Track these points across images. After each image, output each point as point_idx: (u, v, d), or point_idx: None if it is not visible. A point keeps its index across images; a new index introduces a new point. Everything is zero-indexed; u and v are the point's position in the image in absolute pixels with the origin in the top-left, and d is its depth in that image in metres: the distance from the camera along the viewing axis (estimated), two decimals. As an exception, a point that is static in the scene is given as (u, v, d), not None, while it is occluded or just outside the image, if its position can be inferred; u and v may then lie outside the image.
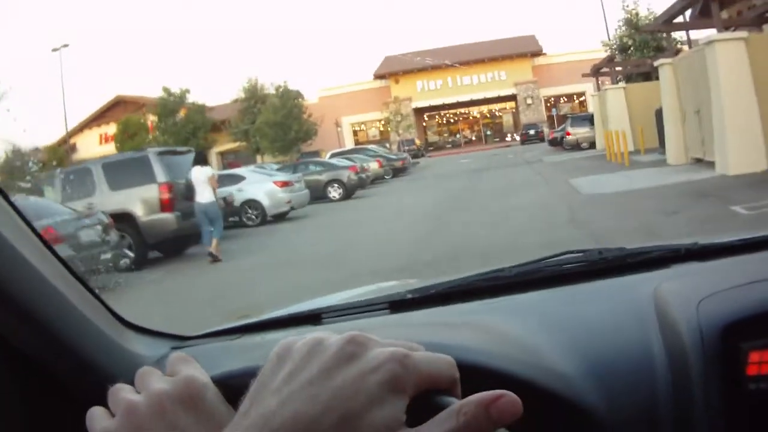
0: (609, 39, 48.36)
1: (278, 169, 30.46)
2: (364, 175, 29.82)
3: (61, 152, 52.11)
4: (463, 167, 40.15)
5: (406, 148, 63.77)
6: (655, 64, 23.64)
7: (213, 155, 70.49)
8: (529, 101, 71.52)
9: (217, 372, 0.92)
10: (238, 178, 22.69)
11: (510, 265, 1.68)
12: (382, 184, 36.57)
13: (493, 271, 1.67)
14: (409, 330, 1.41)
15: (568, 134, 40.29)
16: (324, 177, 28.88)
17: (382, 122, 66.00)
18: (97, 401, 0.77)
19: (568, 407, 1.11)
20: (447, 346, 1.09)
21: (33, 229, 1.15)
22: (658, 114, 25.27)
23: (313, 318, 1.59)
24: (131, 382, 0.78)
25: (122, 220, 15.59)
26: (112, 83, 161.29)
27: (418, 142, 67.69)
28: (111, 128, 63.08)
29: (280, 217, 22.26)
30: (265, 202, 21.90)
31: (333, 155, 44.68)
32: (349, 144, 73.29)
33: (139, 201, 16.29)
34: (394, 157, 42.78)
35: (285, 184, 22.43)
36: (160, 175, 16.37)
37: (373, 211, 23.19)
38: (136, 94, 69.62)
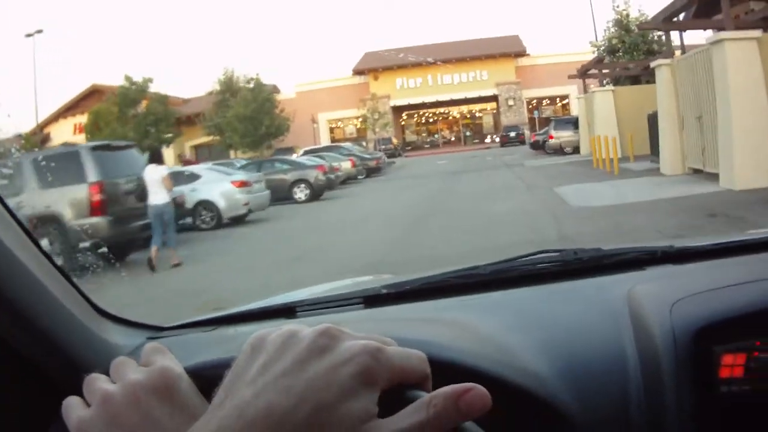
0: (597, 40, 46.64)
1: (242, 167, 28.54)
2: (333, 176, 27.77)
3: (34, 142, 49.28)
4: (440, 168, 38.41)
5: (383, 146, 61.96)
6: (652, 65, 21.80)
7: (187, 149, 68.63)
8: (510, 102, 69.75)
9: (192, 363, 0.92)
10: (193, 177, 20.66)
11: (485, 263, 1.70)
12: (354, 184, 34.60)
13: (468, 268, 1.69)
14: (383, 325, 1.42)
15: (551, 138, 38.52)
16: (290, 176, 26.81)
17: (360, 119, 63.67)
18: (73, 389, 0.79)
19: (541, 406, 1.12)
20: (421, 342, 1.09)
21: (14, 217, 1.15)
22: (652, 119, 23.63)
23: (287, 311, 1.62)
24: (107, 371, 0.79)
25: (49, 222, 13.72)
26: (88, 71, 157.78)
27: (395, 141, 65.78)
28: (86, 118, 60.56)
29: (238, 220, 20.26)
30: (220, 203, 19.89)
31: (306, 152, 42.96)
32: (325, 141, 71.17)
33: (68, 202, 14.25)
34: (368, 156, 40.80)
35: (243, 184, 20.40)
36: (92, 174, 14.23)
37: (339, 214, 21.38)
38: (113, 83, 66.03)
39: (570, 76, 38.62)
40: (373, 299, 1.61)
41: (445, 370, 0.72)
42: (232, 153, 55.68)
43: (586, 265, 1.64)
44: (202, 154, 65.00)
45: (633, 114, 29.72)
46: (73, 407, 0.74)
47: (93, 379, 0.76)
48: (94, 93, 66.35)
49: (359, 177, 38.25)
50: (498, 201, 18.03)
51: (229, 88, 59.10)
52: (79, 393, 0.76)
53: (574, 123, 38.65)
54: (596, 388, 1.15)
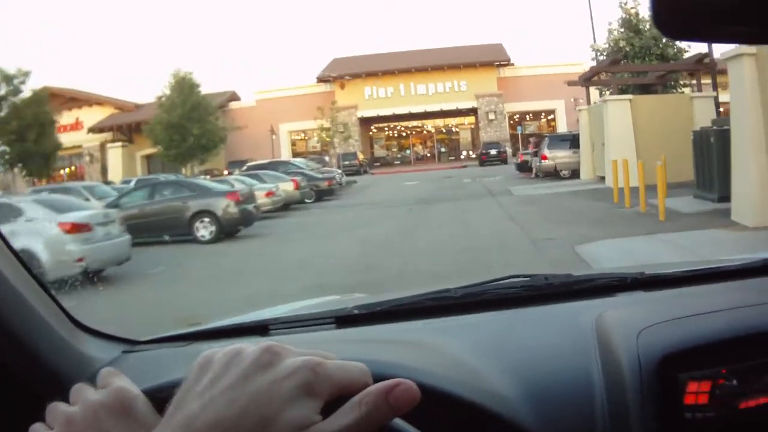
0: (595, 43, 39.67)
1: (125, 194, 21.13)
2: (251, 206, 20.04)
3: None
4: (407, 193, 31.35)
5: (346, 163, 54.87)
6: (722, 56, 14.43)
7: (138, 159, 61.03)
8: (491, 116, 62.50)
9: (151, 383, 0.98)
10: (13, 213, 13.08)
11: (456, 286, 1.71)
12: (292, 212, 27.33)
13: (439, 290, 1.70)
14: (354, 346, 1.45)
15: (544, 158, 31.19)
16: (191, 206, 19.09)
17: (319, 131, 55.46)
18: (51, 399, 0.82)
19: (508, 429, 1.14)
20: (391, 365, 1.19)
21: None
22: (701, 137, 16.67)
23: (260, 329, 1.63)
24: (86, 381, 0.85)
25: None
26: (39, 73, 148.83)
27: (361, 156, 58.37)
28: None
29: (74, 282, 12.53)
30: (43, 256, 12.24)
31: (249, 168, 35.78)
32: (285, 154, 64.41)
33: None
34: (319, 176, 33.27)
35: (77, 228, 12.84)
36: None
37: (239, 271, 13.87)
38: (66, 86, 62.54)
39: (570, 83, 31.57)
40: (344, 319, 1.64)
41: None
42: (183, 169, 48.21)
43: (556, 290, 1.69)
44: (154, 165, 57.88)
45: (656, 130, 23.42)
46: None
47: (54, 406, 0.78)
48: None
49: (307, 200, 30.87)
50: (486, 267, 10.63)
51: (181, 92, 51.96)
52: (57, 400, 0.79)
53: (572, 141, 31.53)
54: (562, 413, 1.18)
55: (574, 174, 30.70)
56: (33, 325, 1.23)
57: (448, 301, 1.65)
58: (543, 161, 31.24)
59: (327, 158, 57.17)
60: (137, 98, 56.88)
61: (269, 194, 25.40)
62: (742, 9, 0.81)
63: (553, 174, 31.32)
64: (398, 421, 0.63)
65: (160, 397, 0.75)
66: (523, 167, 35.14)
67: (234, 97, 70.24)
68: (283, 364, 0.63)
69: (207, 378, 0.64)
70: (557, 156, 31.10)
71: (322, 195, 32.05)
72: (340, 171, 40.22)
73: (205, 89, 48.43)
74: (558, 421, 1.17)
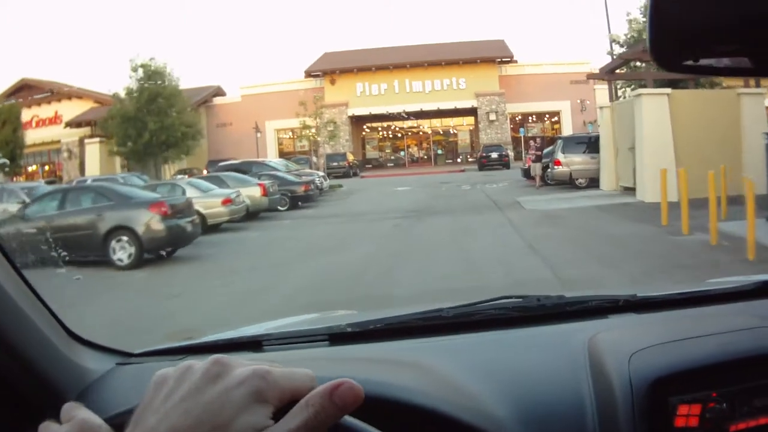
0: (612, 33, 35.49)
1: (36, 199, 16.59)
2: (186, 221, 15.37)
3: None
4: (398, 201, 26.85)
5: (334, 164, 50.38)
6: None
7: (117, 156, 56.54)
8: (492, 117, 57.81)
9: (114, 411, 1.00)
10: None
11: (449, 306, 1.73)
12: (258, 223, 22.84)
13: (431, 310, 1.73)
14: (347, 364, 1.48)
15: (558, 164, 26.62)
16: (106, 219, 14.45)
17: (302, 128, 50.06)
18: (44, 409, 0.85)
19: None
20: (383, 384, 1.21)
21: None
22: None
23: (254, 344, 1.65)
24: (78, 394, 0.91)
25: None
26: (17, 64, 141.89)
27: (350, 157, 53.66)
28: None
29: None
30: None
31: (218, 168, 31.50)
32: (272, 153, 60.07)
33: None
34: (295, 179, 28.63)
35: None
36: None
37: (139, 313, 9.56)
38: (45, 78, 60.19)
39: (589, 76, 27.24)
40: (338, 337, 1.66)
41: (405, 412, 0.76)
42: (166, 168, 44.16)
43: (548, 311, 1.70)
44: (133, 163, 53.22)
45: (698, 131, 19.55)
46: None
47: None
48: (23, 88, 58.79)
49: (279, 208, 26.36)
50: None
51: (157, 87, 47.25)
52: (49, 415, 0.80)
53: (589, 144, 27.06)
54: None
55: (592, 182, 26.32)
56: (29, 336, 1.22)
57: (441, 321, 1.68)
58: (556, 167, 26.66)
59: (315, 159, 52.77)
60: (118, 92, 52.47)
61: (226, 202, 20.82)
62: (740, 45, 0.82)
63: (567, 182, 26.84)
64: (349, 419, 0.65)
65: (126, 421, 0.76)
66: (530, 173, 30.55)
67: (219, 92, 66.00)
68: (233, 374, 0.66)
69: (162, 394, 0.67)
70: (573, 161, 26.56)
71: (297, 202, 27.50)
72: (322, 174, 35.60)
73: (188, 83, 44.30)
74: None
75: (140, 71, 33.83)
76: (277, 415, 0.64)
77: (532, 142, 29.95)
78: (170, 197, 16.45)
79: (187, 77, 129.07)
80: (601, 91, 57.56)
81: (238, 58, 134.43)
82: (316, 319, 2.30)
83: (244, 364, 0.68)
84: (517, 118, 60.88)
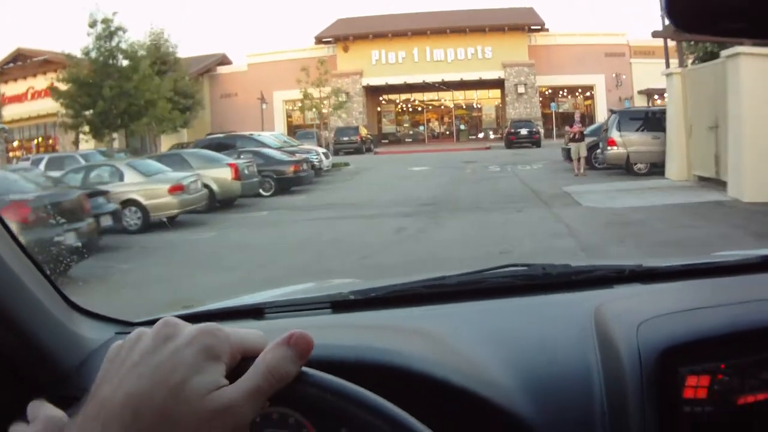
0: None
1: None
2: (66, 232, 9.93)
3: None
4: (410, 187, 21.60)
5: (345, 138, 45.35)
6: None
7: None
8: (521, 89, 52.21)
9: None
10: None
11: (453, 273, 1.72)
12: (222, 216, 17.73)
13: (436, 278, 1.71)
14: (350, 331, 1.45)
15: (612, 143, 21.16)
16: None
17: (305, 99, 43.94)
18: (43, 381, 0.86)
19: (505, 419, 1.14)
20: (386, 351, 1.20)
21: None
22: None
23: (255, 312, 1.62)
24: (77, 364, 0.92)
25: None
26: (12, 34, 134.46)
27: (363, 131, 48.23)
28: (10, 87, 51.29)
29: None
30: None
31: (197, 144, 27.81)
32: (279, 126, 54.94)
33: None
34: (284, 158, 23.21)
35: None
36: None
37: None
38: (41, 47, 54.57)
39: (656, 34, 21.17)
40: (340, 304, 1.63)
41: (408, 379, 0.75)
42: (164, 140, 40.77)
43: (554, 280, 1.68)
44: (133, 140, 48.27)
45: None
46: None
47: None
48: (19, 57, 55.09)
49: (263, 193, 21.35)
50: None
51: (155, 53, 43.16)
52: (48, 387, 0.81)
53: (648, 120, 21.69)
54: (561, 404, 1.18)
55: (654, 169, 21.02)
56: (27, 305, 1.21)
57: (445, 289, 1.66)
58: (610, 148, 21.20)
59: (326, 133, 47.48)
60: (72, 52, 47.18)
61: (175, 190, 15.74)
62: (758, 6, 0.79)
63: (622, 168, 21.43)
64: (311, 371, 0.65)
65: None
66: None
67: (224, 60, 60.92)
68: (183, 333, 0.65)
69: (116, 363, 0.66)
70: (631, 141, 21.06)
71: (286, 185, 22.22)
72: (323, 150, 30.16)
73: (192, 51, 38.91)
74: (556, 411, 1.16)
75: (99, 27, 27.57)
76: (231, 376, 0.64)
77: (576, 115, 24.14)
78: (46, 194, 11.13)
79: (191, 45, 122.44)
80: (639, 65, 53.48)
81: (246, 24, 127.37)
82: (317, 287, 2.27)
83: (192, 324, 0.67)
84: (547, 93, 55.43)
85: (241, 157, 22.15)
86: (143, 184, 16.08)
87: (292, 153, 24.87)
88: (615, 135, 21.19)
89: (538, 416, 1.15)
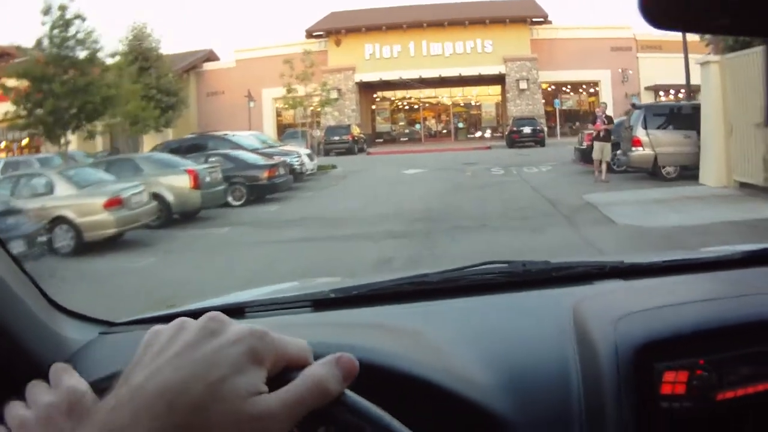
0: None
1: None
2: None
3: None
4: (402, 195, 18.62)
5: (336, 138, 42.70)
6: None
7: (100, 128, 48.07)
8: (522, 85, 49.13)
9: (98, 374, 0.95)
10: None
11: (434, 271, 1.73)
12: (173, 233, 14.91)
13: (416, 275, 1.74)
14: (331, 330, 1.46)
15: (637, 143, 18.13)
16: None
17: (288, 95, 40.40)
18: (26, 381, 0.85)
19: (483, 416, 1.15)
20: (366, 349, 1.19)
21: None
22: None
23: (236, 311, 1.60)
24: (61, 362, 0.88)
25: None
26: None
27: (356, 130, 45.14)
28: None
29: None
30: None
31: (165, 147, 24.76)
32: (268, 125, 52.34)
33: None
34: (255, 162, 20.03)
35: None
36: None
37: None
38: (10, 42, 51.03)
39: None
40: (321, 303, 1.64)
41: (388, 377, 0.74)
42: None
43: (534, 277, 1.70)
44: (120, 137, 45.03)
45: None
46: None
47: (10, 407, 0.77)
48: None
49: (233, 203, 18.57)
50: None
51: (137, 49, 40.68)
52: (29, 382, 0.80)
53: (681, 116, 18.73)
54: (538, 400, 1.19)
55: (684, 172, 18.04)
56: (10, 306, 1.20)
57: (426, 286, 1.67)
58: (635, 149, 18.20)
59: (317, 132, 44.55)
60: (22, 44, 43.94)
61: (112, 204, 12.83)
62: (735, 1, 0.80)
63: (648, 171, 18.46)
64: (350, 394, 0.64)
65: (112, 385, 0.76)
66: (589, 156, 21.84)
67: (211, 56, 57.98)
68: (229, 331, 0.64)
69: (154, 350, 0.64)
70: (660, 141, 18.04)
71: (260, 192, 19.19)
72: (307, 152, 27.08)
73: (177, 47, 36.25)
74: (534, 407, 1.17)
75: (55, 13, 24.19)
76: (269, 383, 0.62)
77: (598, 110, 20.75)
78: None
79: (178, 41, 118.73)
80: (646, 60, 50.79)
81: (235, 19, 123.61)
82: (299, 286, 2.25)
83: (239, 323, 0.66)
84: (549, 89, 52.30)
85: (209, 160, 19.24)
86: (75, 197, 13.28)
87: (270, 156, 21.80)
88: (641, 134, 18.16)
89: (516, 412, 1.15)
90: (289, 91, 35.35)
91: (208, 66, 56.27)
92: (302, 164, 23.85)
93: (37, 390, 0.75)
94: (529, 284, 1.65)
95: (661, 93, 46.86)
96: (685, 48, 23.38)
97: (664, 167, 18.21)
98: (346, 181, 24.62)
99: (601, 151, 19.05)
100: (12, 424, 0.74)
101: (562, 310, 1.38)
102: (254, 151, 22.50)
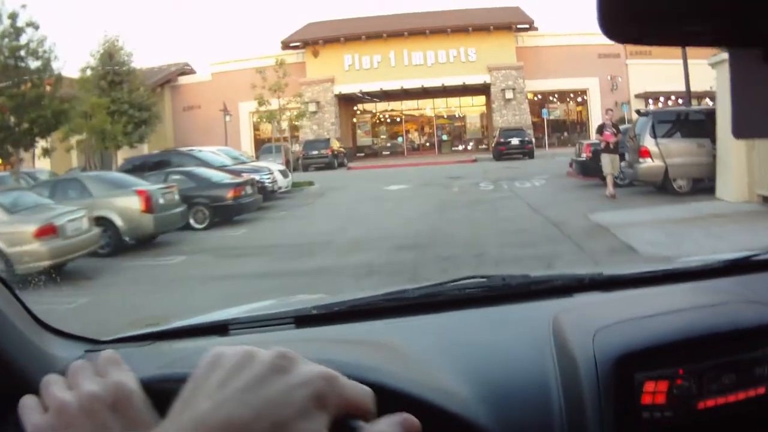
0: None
1: None
2: None
3: None
4: (383, 217, 16.78)
5: (314, 152, 41.03)
6: None
7: (73, 144, 45.69)
8: (509, 95, 47.19)
9: (146, 375, 0.95)
10: None
11: (413, 287, 1.72)
12: (116, 264, 12.99)
13: (396, 291, 1.72)
14: (313, 346, 1.44)
15: (645, 153, 16.24)
16: None
17: (260, 107, 38.08)
18: (10, 398, 0.84)
19: (463, 429, 1.14)
20: (348, 365, 1.17)
21: None
22: None
23: (220, 329, 1.61)
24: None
25: None
26: None
27: (335, 144, 43.19)
28: None
29: None
30: None
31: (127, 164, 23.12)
32: (246, 140, 50.74)
33: None
34: (220, 181, 17.91)
35: None
36: None
37: None
38: None
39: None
40: (303, 319, 1.63)
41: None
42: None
43: (513, 291, 1.68)
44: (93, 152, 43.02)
45: None
46: (29, 410, 0.75)
47: (50, 383, 0.76)
48: None
49: (196, 226, 16.74)
50: None
51: (108, 64, 38.51)
52: (13, 403, 0.78)
53: (692, 123, 16.89)
54: (518, 413, 1.19)
55: (696, 186, 16.29)
56: None
57: (406, 302, 1.66)
58: (643, 160, 16.32)
59: (296, 146, 42.60)
60: (71, 72, 42.16)
61: (44, 233, 11.06)
62: (697, 10, 0.75)
63: (658, 185, 16.59)
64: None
65: (156, 389, 0.76)
66: (587, 168, 19.92)
67: (188, 70, 55.89)
68: (298, 371, 0.62)
69: (217, 377, 0.63)
70: (670, 151, 16.18)
71: (225, 214, 17.18)
72: (281, 168, 24.99)
73: (154, 61, 34.21)
74: (515, 421, 1.17)
75: (4, 20, 22.00)
76: (331, 428, 0.61)
77: (605, 117, 18.47)
78: None
79: (153, 54, 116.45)
80: (636, 66, 49.10)
81: (213, 32, 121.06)
82: (279, 303, 2.15)
83: (308, 362, 0.64)
84: (536, 98, 50.45)
85: (169, 179, 17.26)
86: (5, 225, 11.27)
87: (238, 173, 19.75)
88: (649, 143, 16.28)
89: (497, 426, 1.14)
90: (260, 103, 33.17)
91: (183, 80, 54.40)
92: (274, 181, 21.80)
93: (81, 373, 0.73)
94: (508, 298, 1.65)
95: (651, 100, 45.28)
96: (684, 50, 21.62)
97: (675, 180, 16.34)
98: (323, 199, 22.61)
99: (611, 163, 17.05)
100: (51, 403, 0.72)
101: (542, 323, 1.38)
102: (221, 168, 20.43)
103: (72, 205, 12.65)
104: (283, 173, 24.28)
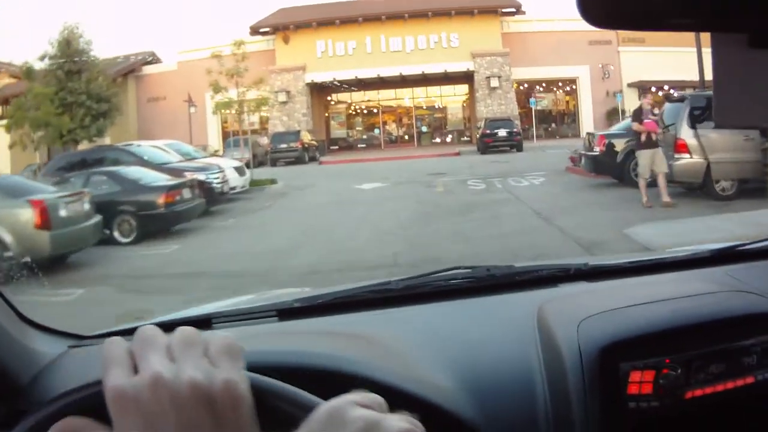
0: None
1: None
2: None
3: None
4: (353, 227, 13.19)
5: (283, 146, 37.86)
6: None
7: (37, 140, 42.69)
8: (494, 83, 43.92)
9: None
10: None
11: (397, 278, 1.70)
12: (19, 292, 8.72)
13: (380, 283, 1.71)
14: (296, 338, 1.44)
15: (683, 149, 12.85)
16: None
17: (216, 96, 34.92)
18: None
19: (447, 420, 1.14)
20: (330, 356, 1.21)
21: None
22: None
23: (203, 323, 1.58)
24: (29, 378, 0.84)
25: None
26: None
27: (306, 137, 39.75)
28: None
29: None
30: None
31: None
32: (213, 134, 47.51)
33: None
34: (149, 183, 14.31)
35: None
36: None
37: None
38: None
39: None
40: (286, 312, 1.63)
41: (352, 384, 0.79)
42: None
43: (498, 281, 1.67)
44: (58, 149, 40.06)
45: None
46: (115, 364, 0.64)
47: (151, 345, 0.64)
48: None
49: (121, 240, 13.40)
50: None
51: (67, 52, 36.59)
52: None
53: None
54: (503, 403, 1.19)
55: (741, 187, 13.10)
56: None
57: (390, 293, 1.64)
58: (680, 156, 12.97)
59: (266, 139, 39.42)
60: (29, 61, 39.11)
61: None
62: None
63: (698, 185, 13.29)
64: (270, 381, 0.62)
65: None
66: (601, 164, 16.59)
67: (153, 59, 52.69)
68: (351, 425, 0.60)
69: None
70: (714, 145, 12.86)
71: (156, 224, 13.71)
72: (236, 164, 21.50)
73: (117, 51, 33.00)
74: (499, 412, 1.17)
75: None
76: None
77: (645, 101, 14.22)
78: None
79: (119, 43, 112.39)
80: (628, 54, 45.99)
81: (180, 19, 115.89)
82: (265, 297, 2.19)
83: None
84: (522, 87, 47.49)
85: (90, 180, 13.84)
86: None
87: (180, 172, 16.28)
88: (687, 135, 12.93)
89: (481, 416, 1.14)
90: (216, 90, 29.84)
91: (148, 69, 51.25)
92: (224, 181, 18.24)
93: (188, 348, 0.63)
94: (493, 289, 1.63)
95: (643, 90, 42.29)
96: (698, 36, 18.36)
97: (717, 181, 13.03)
98: (284, 201, 19.13)
99: (652, 161, 13.04)
100: (143, 367, 0.62)
101: (526, 314, 1.38)
102: (160, 167, 16.91)
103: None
104: (239, 171, 20.79)
